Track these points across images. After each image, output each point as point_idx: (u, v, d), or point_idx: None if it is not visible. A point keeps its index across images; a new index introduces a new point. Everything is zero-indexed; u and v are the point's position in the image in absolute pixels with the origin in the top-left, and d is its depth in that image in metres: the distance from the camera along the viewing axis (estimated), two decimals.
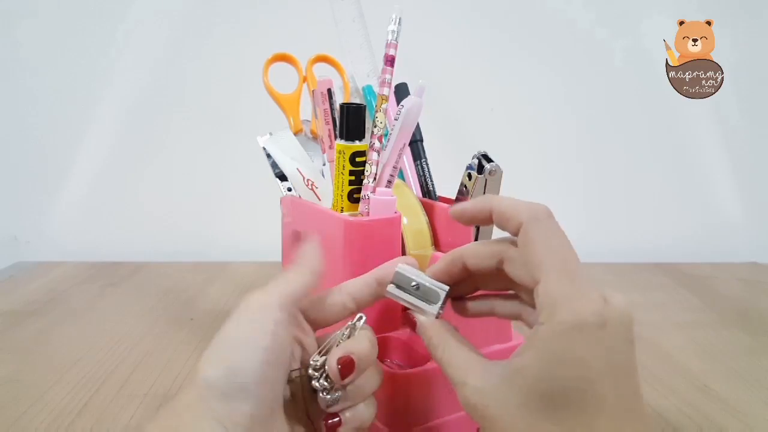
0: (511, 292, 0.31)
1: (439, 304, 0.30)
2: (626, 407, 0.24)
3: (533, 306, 0.26)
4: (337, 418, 0.29)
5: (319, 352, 0.29)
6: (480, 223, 0.30)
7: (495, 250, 0.29)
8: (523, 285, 0.27)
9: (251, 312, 0.28)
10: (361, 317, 0.31)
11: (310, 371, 0.29)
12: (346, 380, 0.28)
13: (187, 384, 0.26)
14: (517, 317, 0.31)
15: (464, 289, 0.32)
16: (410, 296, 0.30)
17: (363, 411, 0.30)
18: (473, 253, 0.30)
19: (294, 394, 0.29)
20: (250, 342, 0.26)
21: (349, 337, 0.30)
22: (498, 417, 0.25)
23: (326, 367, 0.28)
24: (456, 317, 0.32)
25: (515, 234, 0.27)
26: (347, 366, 0.28)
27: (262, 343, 0.26)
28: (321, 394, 0.28)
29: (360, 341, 0.29)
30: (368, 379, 0.30)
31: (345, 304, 0.32)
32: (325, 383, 0.28)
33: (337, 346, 0.29)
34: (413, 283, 0.30)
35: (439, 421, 0.40)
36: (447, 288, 0.30)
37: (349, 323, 0.31)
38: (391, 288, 0.31)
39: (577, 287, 0.25)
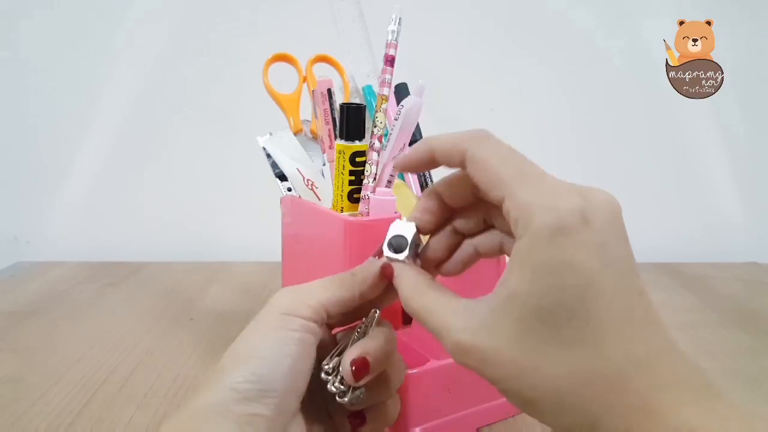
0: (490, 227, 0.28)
1: (407, 247, 0.28)
2: (633, 309, 0.21)
3: (510, 233, 0.23)
4: (360, 418, 0.28)
5: (332, 355, 0.28)
6: (427, 169, 0.28)
7: (464, 174, 0.26)
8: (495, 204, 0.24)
9: (280, 316, 0.27)
10: (375, 312, 0.30)
11: (323, 375, 0.28)
12: (361, 382, 0.27)
13: (207, 382, 0.25)
14: (500, 251, 0.28)
15: (447, 240, 0.29)
16: (390, 252, 0.28)
17: (388, 407, 0.29)
18: (445, 183, 0.28)
19: (312, 392, 0.28)
20: (276, 348, 0.26)
21: (364, 335, 0.29)
22: (495, 354, 0.22)
23: (340, 368, 0.27)
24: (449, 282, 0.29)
25: (463, 165, 0.25)
26: (361, 367, 0.27)
27: (288, 350, 0.26)
28: (338, 398, 0.27)
29: (374, 339, 0.28)
30: (392, 375, 0.29)
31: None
32: (341, 386, 0.27)
33: (351, 346, 0.28)
34: (391, 237, 0.28)
35: (439, 421, 0.40)
36: (413, 230, 0.28)
37: (364, 320, 0.30)
38: (385, 250, 0.29)
39: (547, 190, 0.22)
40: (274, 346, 0.26)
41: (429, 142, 0.27)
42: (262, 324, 0.27)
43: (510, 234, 0.25)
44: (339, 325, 0.31)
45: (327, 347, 0.29)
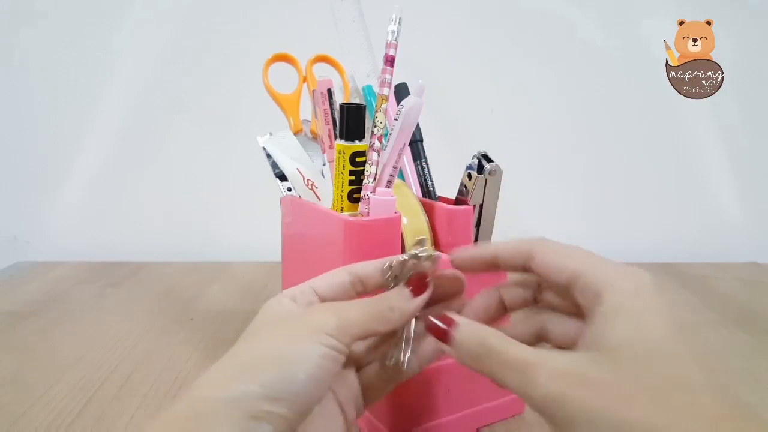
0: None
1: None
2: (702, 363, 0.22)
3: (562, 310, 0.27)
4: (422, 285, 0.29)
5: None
6: (482, 270, 0.30)
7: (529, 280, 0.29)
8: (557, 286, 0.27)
9: (312, 328, 0.26)
10: (422, 241, 0.30)
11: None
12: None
13: (222, 374, 0.24)
14: (543, 330, 0.29)
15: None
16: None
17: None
18: (506, 288, 0.30)
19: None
20: (296, 363, 0.24)
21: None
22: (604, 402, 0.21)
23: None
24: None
25: (526, 267, 0.28)
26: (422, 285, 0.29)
27: (308, 369, 0.24)
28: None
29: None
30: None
31: (351, 283, 0.30)
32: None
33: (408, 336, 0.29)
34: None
35: (439, 421, 0.40)
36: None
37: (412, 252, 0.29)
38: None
39: (618, 265, 0.25)
40: (295, 359, 0.24)
41: (493, 247, 0.29)
42: (296, 331, 0.26)
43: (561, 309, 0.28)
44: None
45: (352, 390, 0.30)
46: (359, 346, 0.31)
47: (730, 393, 0.21)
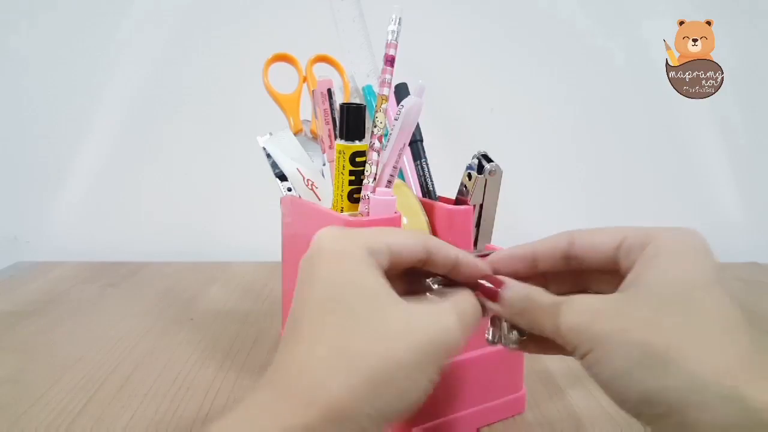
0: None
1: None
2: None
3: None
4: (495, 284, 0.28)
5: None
6: (523, 271, 0.29)
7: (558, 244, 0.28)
8: (597, 257, 0.27)
9: (423, 362, 0.23)
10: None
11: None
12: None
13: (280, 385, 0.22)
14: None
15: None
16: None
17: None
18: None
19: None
20: (405, 391, 0.22)
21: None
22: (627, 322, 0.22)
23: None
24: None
25: (571, 252, 0.28)
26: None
27: (416, 396, 0.23)
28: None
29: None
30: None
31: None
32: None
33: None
34: None
35: (439, 421, 0.40)
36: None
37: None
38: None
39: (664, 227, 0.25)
40: (417, 384, 0.23)
41: (530, 246, 0.29)
42: (411, 344, 0.23)
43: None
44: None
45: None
46: None
47: (759, 335, 0.21)
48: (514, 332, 0.29)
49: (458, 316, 0.25)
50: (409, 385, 0.23)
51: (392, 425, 0.24)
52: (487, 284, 0.28)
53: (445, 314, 0.25)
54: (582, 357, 0.23)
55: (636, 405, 0.21)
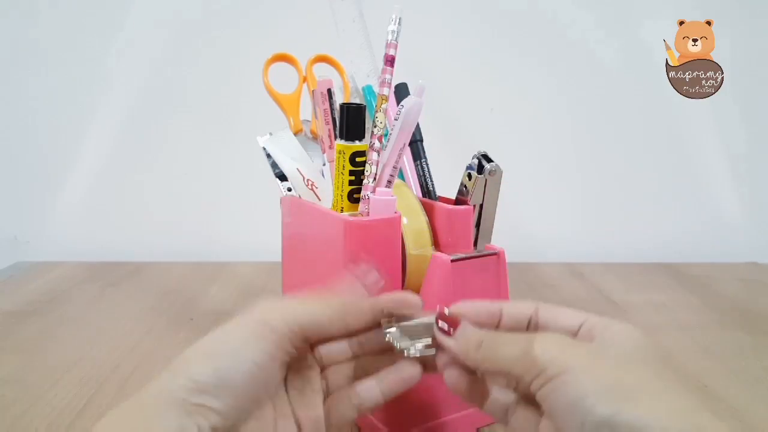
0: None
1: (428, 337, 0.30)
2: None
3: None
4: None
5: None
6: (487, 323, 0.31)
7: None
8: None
9: (255, 322, 0.28)
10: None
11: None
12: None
13: (166, 371, 0.26)
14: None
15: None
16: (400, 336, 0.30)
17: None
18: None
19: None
20: (242, 351, 0.26)
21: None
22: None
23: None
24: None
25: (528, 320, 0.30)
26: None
27: (253, 356, 0.26)
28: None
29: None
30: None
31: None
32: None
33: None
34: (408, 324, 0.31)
35: (438, 421, 0.40)
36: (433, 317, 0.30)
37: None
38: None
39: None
40: (241, 348, 0.26)
41: (497, 303, 0.31)
42: (235, 326, 0.28)
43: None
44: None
45: (303, 365, 0.30)
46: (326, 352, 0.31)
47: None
48: (422, 342, 0.30)
49: None
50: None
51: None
52: (444, 324, 0.30)
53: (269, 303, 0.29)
54: (547, 380, 0.25)
55: (596, 427, 0.23)
